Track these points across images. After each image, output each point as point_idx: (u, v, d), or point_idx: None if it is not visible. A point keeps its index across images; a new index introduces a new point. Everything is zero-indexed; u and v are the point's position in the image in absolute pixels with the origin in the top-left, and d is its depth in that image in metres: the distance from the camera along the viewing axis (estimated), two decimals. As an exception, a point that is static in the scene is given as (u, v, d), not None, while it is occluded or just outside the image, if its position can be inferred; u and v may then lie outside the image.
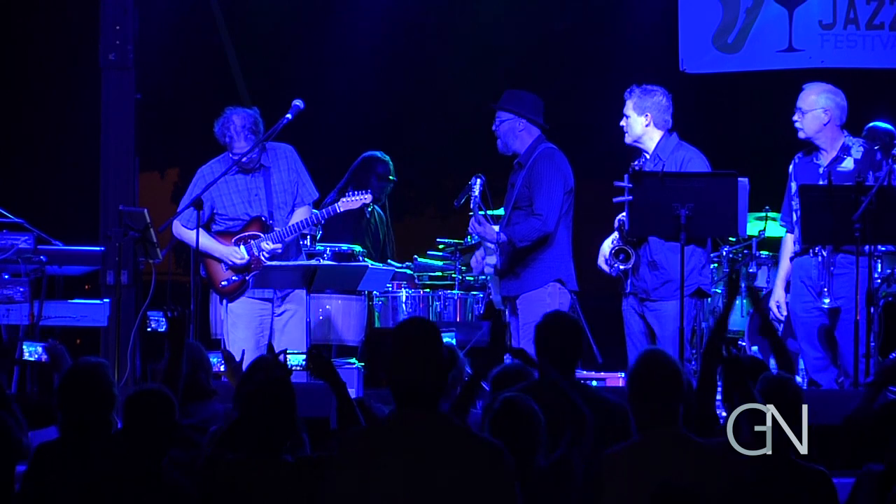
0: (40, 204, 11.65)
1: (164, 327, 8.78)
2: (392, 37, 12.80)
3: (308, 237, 10.22)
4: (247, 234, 9.33)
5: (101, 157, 11.03)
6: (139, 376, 9.42)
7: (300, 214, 9.40)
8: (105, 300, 10.03)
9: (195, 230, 9.06)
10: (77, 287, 10.86)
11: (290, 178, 9.39)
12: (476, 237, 10.39)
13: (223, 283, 9.33)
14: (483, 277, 10.54)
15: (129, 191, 10.90)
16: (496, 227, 9.11)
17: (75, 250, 10.24)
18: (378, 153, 11.18)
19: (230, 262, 9.29)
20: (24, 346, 9.47)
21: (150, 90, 11.24)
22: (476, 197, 9.09)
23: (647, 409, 5.33)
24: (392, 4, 12.69)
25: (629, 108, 9.01)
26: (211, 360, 7.14)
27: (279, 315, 9.36)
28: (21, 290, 9.69)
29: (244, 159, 9.22)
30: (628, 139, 9.05)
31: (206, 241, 9.27)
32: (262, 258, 9.27)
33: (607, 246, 9.07)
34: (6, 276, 9.70)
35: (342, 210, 9.58)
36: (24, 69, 12.63)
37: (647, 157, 8.98)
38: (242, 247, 9.29)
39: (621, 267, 8.93)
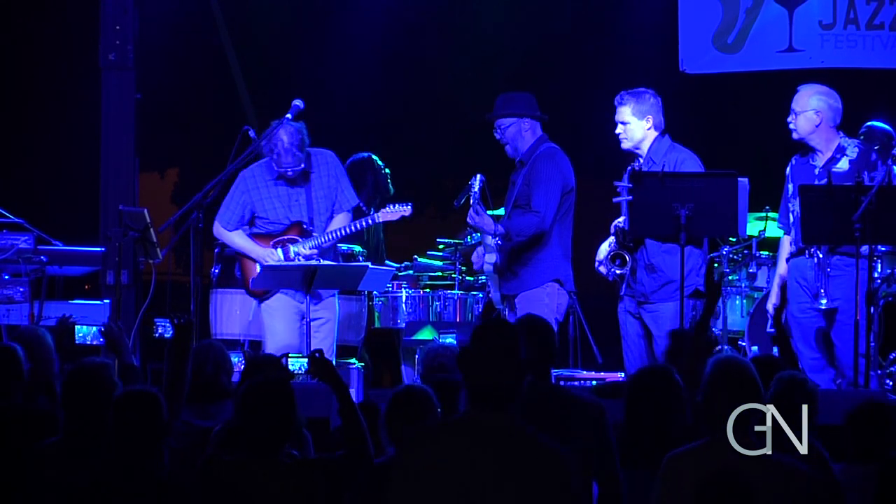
0: (40, 204, 11.65)
1: (171, 334, 8.79)
2: (392, 37, 12.80)
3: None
4: (285, 237, 9.36)
5: (101, 157, 11.03)
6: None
7: (339, 221, 9.42)
8: (105, 300, 10.03)
9: (234, 231, 9.30)
10: (77, 287, 10.87)
11: (331, 185, 9.42)
12: (474, 235, 10.39)
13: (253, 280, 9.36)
14: (482, 278, 10.54)
15: (129, 191, 10.90)
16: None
17: (75, 250, 10.25)
18: (360, 154, 11.17)
19: (265, 264, 9.29)
20: (89, 331, 9.46)
21: (150, 90, 11.24)
22: (476, 193, 9.09)
23: (724, 416, 5.23)
24: (392, 4, 12.68)
25: (627, 115, 8.96)
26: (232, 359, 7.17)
27: (313, 320, 9.35)
28: (21, 290, 9.69)
29: (289, 172, 9.25)
30: (627, 145, 9.00)
31: (243, 242, 9.36)
32: (299, 262, 9.28)
33: (604, 250, 9.07)
34: (6, 276, 9.71)
35: (381, 221, 9.57)
36: (25, 69, 12.64)
37: (641, 160, 8.97)
38: (279, 249, 9.33)
39: (618, 272, 8.93)
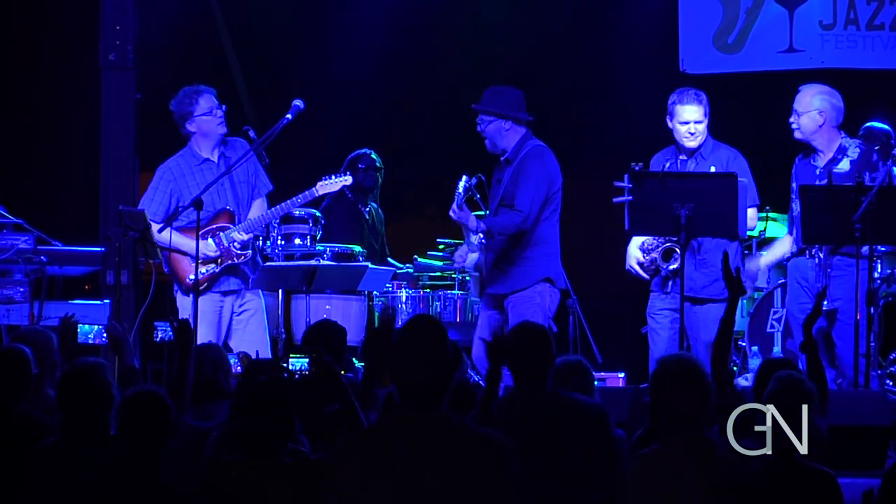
0: (40, 204, 11.63)
1: (171, 336, 8.76)
2: (392, 37, 12.79)
3: (308, 237, 10.21)
4: (215, 226, 9.25)
5: (101, 157, 11.02)
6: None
7: (257, 207, 9.36)
8: (105, 300, 10.03)
9: (162, 227, 9.04)
10: (77, 287, 10.85)
11: (249, 170, 9.36)
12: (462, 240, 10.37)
13: (191, 277, 9.16)
14: (468, 278, 10.54)
15: (129, 191, 10.90)
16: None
17: (75, 250, 10.24)
18: (365, 150, 11.20)
19: (201, 257, 9.18)
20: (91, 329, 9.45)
21: (150, 90, 11.23)
22: (461, 193, 9.03)
23: (668, 415, 5.26)
24: (392, 4, 12.67)
25: (701, 114, 8.93)
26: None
27: (239, 314, 9.29)
28: (21, 290, 9.69)
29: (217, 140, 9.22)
30: (696, 143, 8.99)
31: (173, 237, 9.14)
32: (234, 249, 9.20)
33: (635, 248, 9.04)
34: (18, 276, 9.70)
35: (319, 193, 9.56)
36: (25, 69, 12.62)
37: (686, 157, 8.97)
38: (211, 239, 9.19)
39: (671, 267, 8.89)
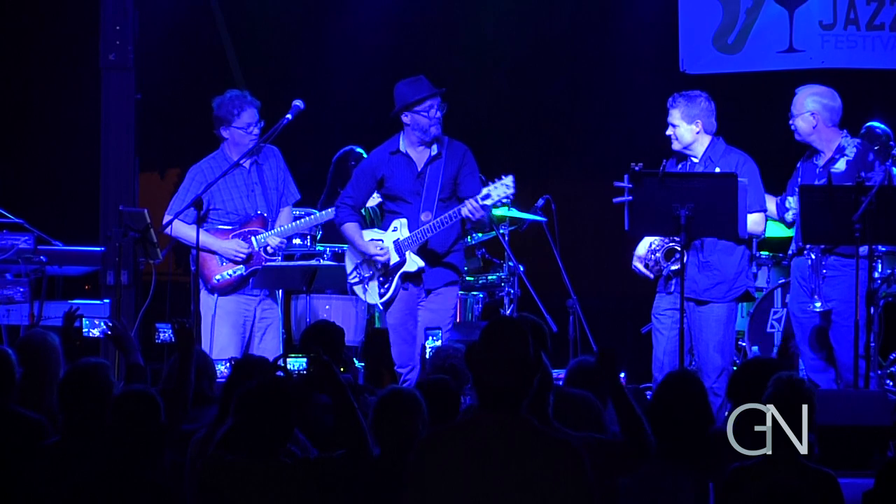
0: (40, 204, 11.64)
1: (172, 338, 8.78)
2: (392, 37, 12.80)
3: (308, 237, 10.21)
4: (247, 230, 9.32)
5: (101, 157, 11.03)
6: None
7: (285, 215, 9.41)
8: (105, 300, 10.03)
9: (192, 225, 9.09)
10: (77, 287, 10.86)
11: (279, 177, 9.42)
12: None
13: (217, 279, 9.26)
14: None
15: (129, 191, 10.91)
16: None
17: (75, 250, 10.25)
18: (351, 147, 11.20)
19: (230, 256, 9.24)
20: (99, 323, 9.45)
21: (150, 90, 11.23)
22: (509, 196, 8.88)
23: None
24: (392, 4, 12.68)
25: (676, 118, 8.92)
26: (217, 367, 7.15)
27: (259, 321, 9.33)
28: (21, 290, 9.69)
29: (246, 151, 9.24)
30: (678, 146, 8.97)
31: (204, 237, 9.18)
32: (264, 253, 9.25)
33: (643, 248, 9.04)
34: (9, 277, 9.71)
35: None
36: (25, 69, 12.63)
37: (696, 160, 8.96)
38: (241, 240, 9.28)
39: (673, 268, 8.89)
